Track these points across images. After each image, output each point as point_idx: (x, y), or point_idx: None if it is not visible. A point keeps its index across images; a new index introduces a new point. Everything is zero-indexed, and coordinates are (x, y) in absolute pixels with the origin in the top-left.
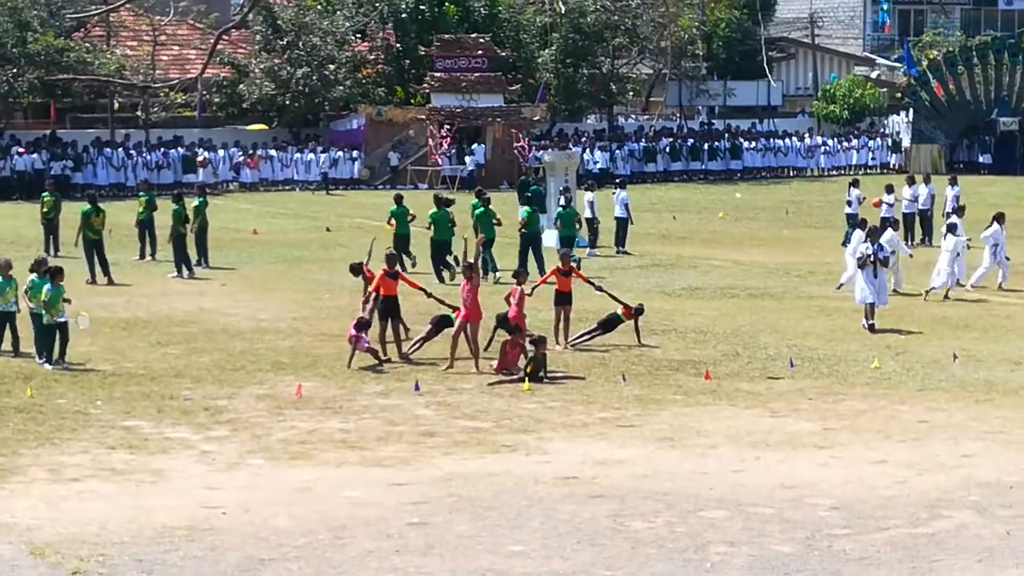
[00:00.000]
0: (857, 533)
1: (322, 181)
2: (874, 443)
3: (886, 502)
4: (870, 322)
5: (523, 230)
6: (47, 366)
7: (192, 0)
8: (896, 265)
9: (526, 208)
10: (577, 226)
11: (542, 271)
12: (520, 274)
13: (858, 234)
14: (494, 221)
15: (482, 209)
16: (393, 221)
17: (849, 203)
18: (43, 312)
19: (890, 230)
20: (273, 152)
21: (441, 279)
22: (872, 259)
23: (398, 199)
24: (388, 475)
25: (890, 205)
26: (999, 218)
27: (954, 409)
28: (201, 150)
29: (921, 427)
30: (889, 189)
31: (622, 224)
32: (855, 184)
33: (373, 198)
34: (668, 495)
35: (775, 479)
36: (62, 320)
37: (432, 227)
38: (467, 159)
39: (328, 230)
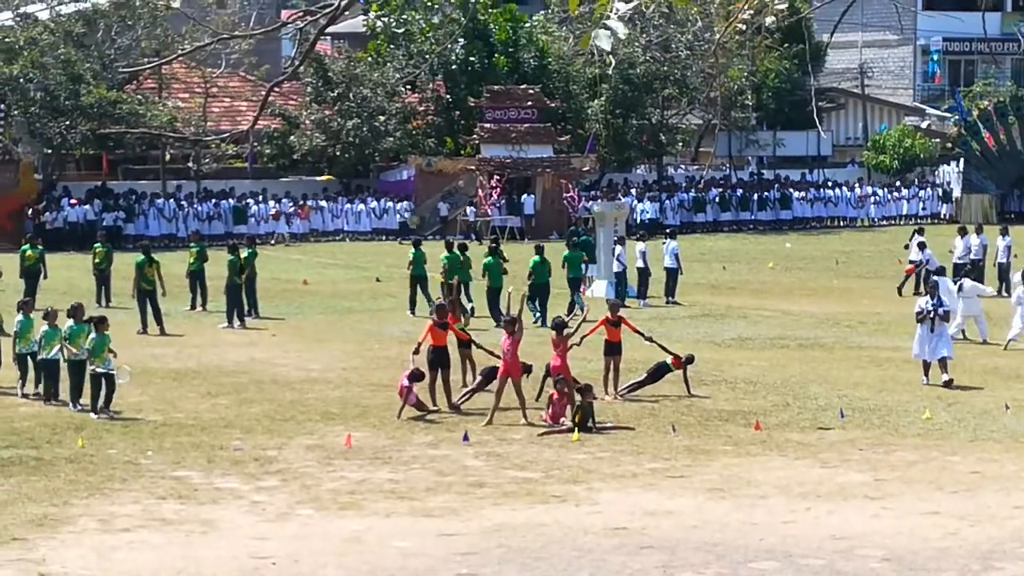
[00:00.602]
0: None
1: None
2: (925, 494)
3: (938, 554)
4: (944, 378)
5: (530, 280)
6: (92, 415)
7: (243, 52)
8: (980, 315)
9: (534, 259)
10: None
11: (544, 322)
12: (561, 325)
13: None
14: (502, 270)
15: (490, 258)
16: (445, 266)
17: (952, 252)
18: (82, 358)
19: (967, 279)
20: (323, 203)
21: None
22: (932, 314)
23: (448, 246)
24: (437, 525)
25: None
26: None
27: (1006, 460)
28: (273, 203)
29: (973, 478)
30: (922, 246)
31: (672, 274)
32: (963, 232)
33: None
34: (718, 546)
35: (825, 530)
36: (108, 370)
37: (486, 275)
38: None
39: (378, 280)
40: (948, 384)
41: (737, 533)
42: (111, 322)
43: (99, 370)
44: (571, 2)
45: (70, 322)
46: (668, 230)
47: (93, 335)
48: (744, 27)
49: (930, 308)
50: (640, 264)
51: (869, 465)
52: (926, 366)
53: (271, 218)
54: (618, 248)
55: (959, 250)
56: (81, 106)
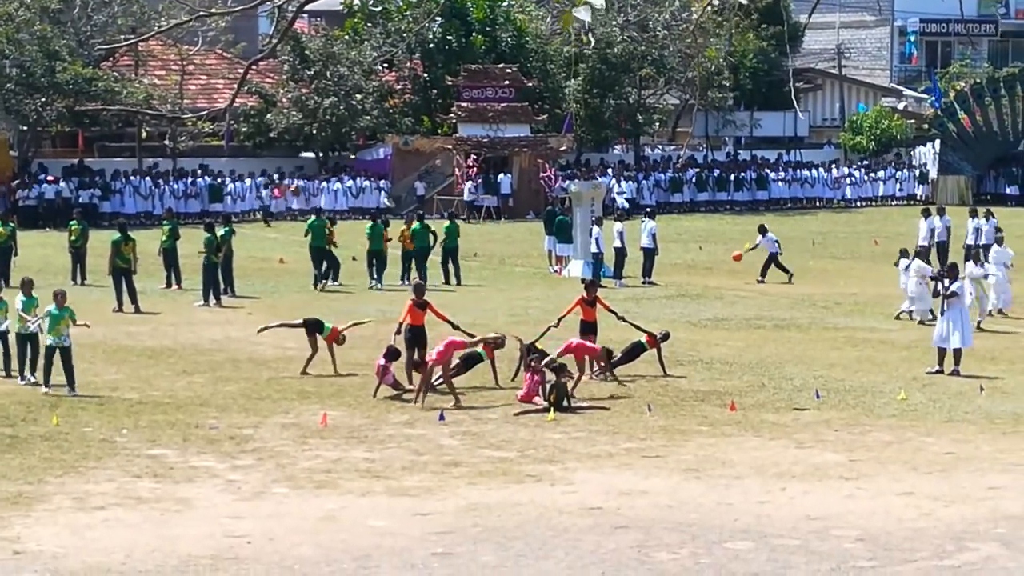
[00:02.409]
0: (883, 565)
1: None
2: (900, 475)
3: (912, 534)
4: (948, 367)
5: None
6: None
7: (220, 30)
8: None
9: (415, 225)
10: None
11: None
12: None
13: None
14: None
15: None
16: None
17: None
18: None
19: (916, 260)
20: (300, 181)
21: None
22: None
23: (420, 217)
24: (413, 504)
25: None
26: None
27: (980, 441)
28: (292, 180)
29: (947, 459)
30: (762, 230)
31: (649, 255)
32: (927, 214)
33: (398, 227)
34: (693, 526)
35: (800, 510)
36: (66, 344)
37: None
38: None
39: (354, 259)
40: (952, 373)
41: (712, 513)
42: (87, 299)
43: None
44: None
45: (20, 295)
46: (648, 210)
47: (51, 308)
48: (718, 2)
49: (938, 291)
50: (617, 244)
51: (844, 445)
52: (941, 353)
53: (291, 193)
54: (595, 229)
55: (922, 232)
56: (57, 83)
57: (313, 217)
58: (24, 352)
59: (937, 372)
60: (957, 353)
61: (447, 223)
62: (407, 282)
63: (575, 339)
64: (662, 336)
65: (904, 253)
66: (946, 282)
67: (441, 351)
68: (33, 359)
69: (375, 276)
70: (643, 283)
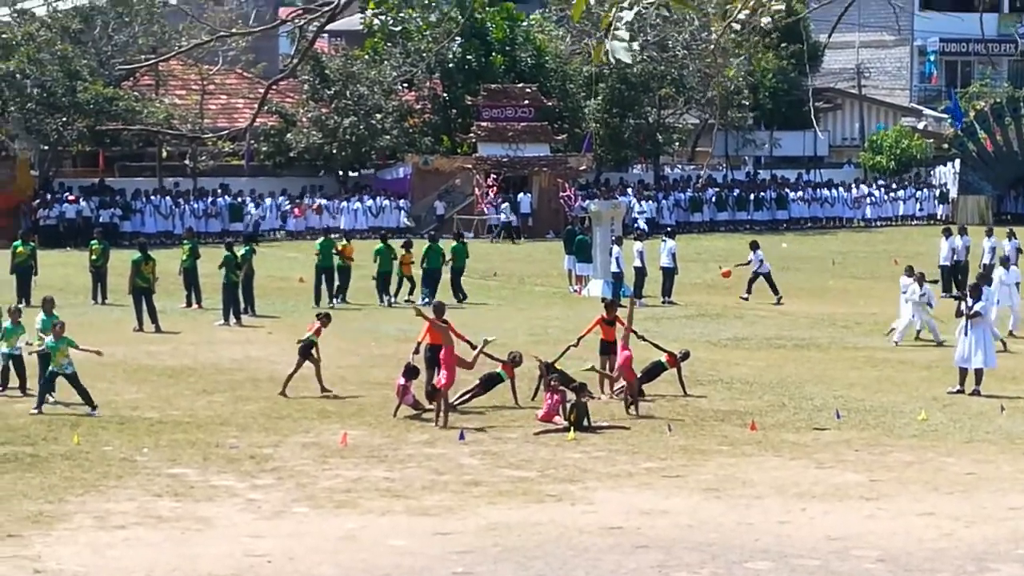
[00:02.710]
0: None
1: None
2: (921, 495)
3: (933, 555)
4: (964, 388)
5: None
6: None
7: (240, 50)
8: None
9: (426, 247)
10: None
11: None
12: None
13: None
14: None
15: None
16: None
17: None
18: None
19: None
20: (320, 201)
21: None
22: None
23: (433, 237)
24: (433, 524)
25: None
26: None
27: (1001, 461)
28: (312, 199)
29: (968, 479)
30: (754, 246)
31: (668, 274)
32: (948, 233)
33: (420, 247)
34: (713, 546)
35: (821, 531)
36: (68, 371)
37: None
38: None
39: (374, 279)
40: (973, 393)
41: (732, 533)
42: (107, 319)
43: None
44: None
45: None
46: (668, 229)
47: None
48: (739, 26)
49: (962, 310)
50: (637, 263)
51: (865, 466)
52: (962, 373)
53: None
54: (615, 248)
55: (943, 251)
56: (78, 103)
57: (323, 237)
58: (43, 371)
59: (958, 392)
60: (979, 373)
61: (454, 243)
62: (426, 301)
63: (627, 352)
64: (682, 355)
65: (909, 271)
66: (969, 301)
67: (447, 374)
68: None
69: (388, 294)
70: (663, 303)
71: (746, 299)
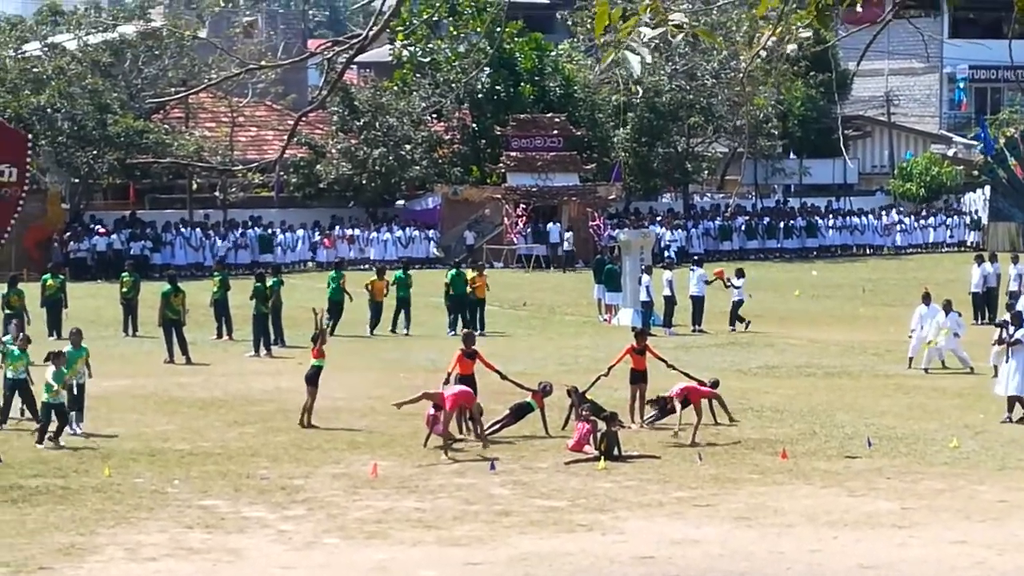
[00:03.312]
0: None
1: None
2: (953, 523)
3: None
4: (1012, 416)
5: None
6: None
7: (270, 82)
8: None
9: (452, 272)
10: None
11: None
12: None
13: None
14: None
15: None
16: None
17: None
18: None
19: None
20: (350, 231)
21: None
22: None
23: (456, 264)
24: (464, 554)
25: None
26: None
27: None
28: (343, 230)
29: (1000, 507)
30: (740, 273)
31: (698, 303)
32: (980, 260)
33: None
34: (744, 575)
35: (853, 559)
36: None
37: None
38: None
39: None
40: (1020, 420)
41: (764, 562)
42: (138, 351)
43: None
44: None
45: (69, 347)
46: (695, 258)
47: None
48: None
49: (1003, 337)
50: (667, 292)
51: (896, 494)
52: (1010, 402)
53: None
54: (645, 277)
55: (975, 278)
56: (108, 136)
57: (334, 271)
58: (72, 402)
59: (1006, 421)
60: (1012, 400)
61: (451, 271)
62: (454, 332)
63: (684, 383)
64: (712, 385)
65: (927, 298)
66: (1011, 329)
67: (452, 400)
68: (80, 410)
69: (404, 323)
70: (693, 331)
71: (733, 330)
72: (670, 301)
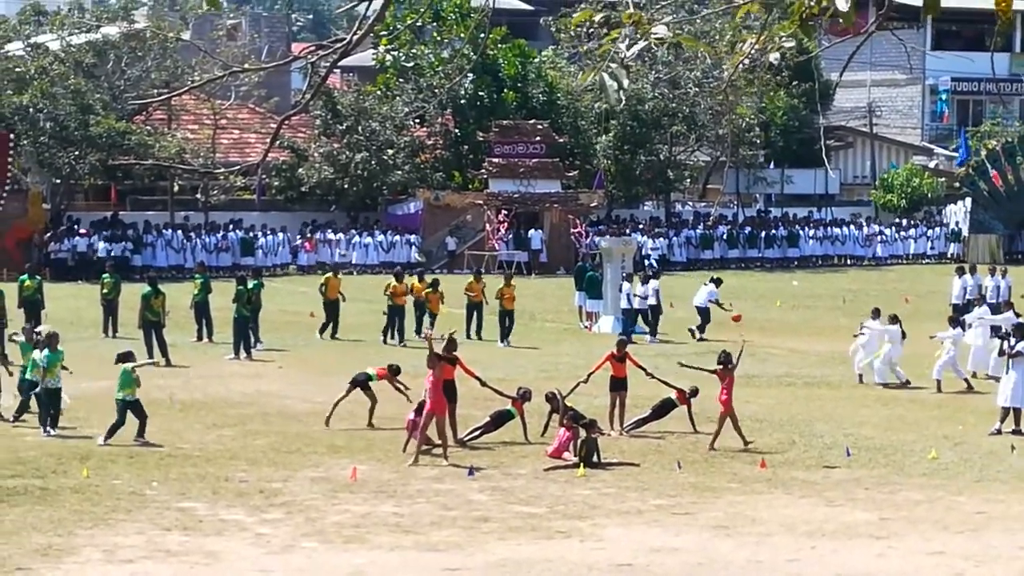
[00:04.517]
0: None
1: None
2: (931, 534)
3: None
4: (1002, 428)
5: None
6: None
7: (253, 85)
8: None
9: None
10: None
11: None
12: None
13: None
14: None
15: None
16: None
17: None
18: (59, 386)
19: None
20: (332, 235)
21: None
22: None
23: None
24: (442, 560)
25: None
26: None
27: (1012, 500)
28: (324, 233)
29: (979, 518)
30: (717, 282)
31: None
32: (960, 272)
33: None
34: None
35: (830, 569)
36: (56, 386)
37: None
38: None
39: (384, 314)
40: (1014, 432)
41: (742, 571)
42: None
43: (50, 385)
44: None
45: (46, 351)
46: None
47: (45, 352)
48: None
49: (1004, 349)
50: (653, 301)
51: (874, 504)
52: (1017, 414)
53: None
54: (626, 285)
55: (955, 290)
56: (90, 136)
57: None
58: (47, 407)
59: (1015, 432)
60: (1005, 412)
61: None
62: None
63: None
64: (691, 392)
65: (876, 313)
66: (1012, 340)
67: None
68: (55, 414)
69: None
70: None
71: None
72: (656, 310)
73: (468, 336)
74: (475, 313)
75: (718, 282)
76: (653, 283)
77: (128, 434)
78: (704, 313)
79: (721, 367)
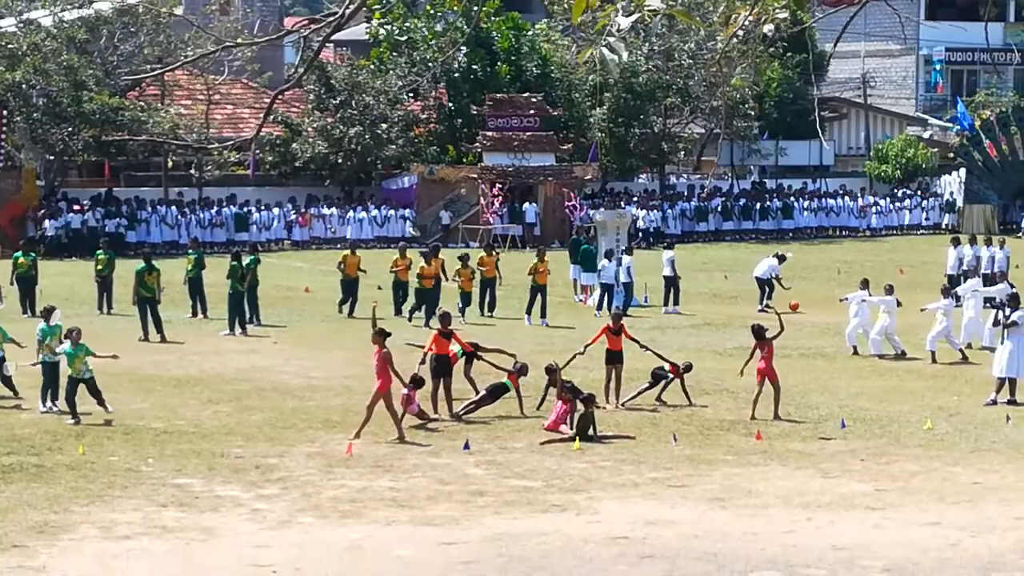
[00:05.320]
0: None
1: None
2: (927, 505)
3: (938, 565)
4: (997, 398)
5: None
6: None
7: (246, 60)
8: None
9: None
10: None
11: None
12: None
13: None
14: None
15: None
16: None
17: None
18: (57, 360)
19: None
20: (326, 210)
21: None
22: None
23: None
24: (438, 534)
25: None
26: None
27: (1007, 471)
28: (319, 208)
29: (974, 489)
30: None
31: (670, 283)
32: (956, 243)
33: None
34: (719, 556)
35: (826, 540)
36: (86, 376)
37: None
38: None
39: (380, 288)
40: (1009, 402)
41: (738, 543)
42: (113, 328)
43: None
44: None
45: (42, 324)
46: (668, 240)
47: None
48: (742, 33)
49: (999, 319)
50: (667, 272)
51: (870, 475)
52: (1000, 383)
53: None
54: (625, 258)
55: (950, 260)
56: (83, 113)
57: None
58: (48, 381)
59: (1010, 402)
60: (1001, 382)
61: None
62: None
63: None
64: (685, 367)
65: (864, 284)
66: (1007, 311)
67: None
68: (55, 389)
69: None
70: (666, 312)
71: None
72: (671, 280)
73: (482, 313)
74: (488, 289)
75: (782, 258)
76: (668, 253)
77: (128, 411)
78: (764, 284)
79: (757, 339)
